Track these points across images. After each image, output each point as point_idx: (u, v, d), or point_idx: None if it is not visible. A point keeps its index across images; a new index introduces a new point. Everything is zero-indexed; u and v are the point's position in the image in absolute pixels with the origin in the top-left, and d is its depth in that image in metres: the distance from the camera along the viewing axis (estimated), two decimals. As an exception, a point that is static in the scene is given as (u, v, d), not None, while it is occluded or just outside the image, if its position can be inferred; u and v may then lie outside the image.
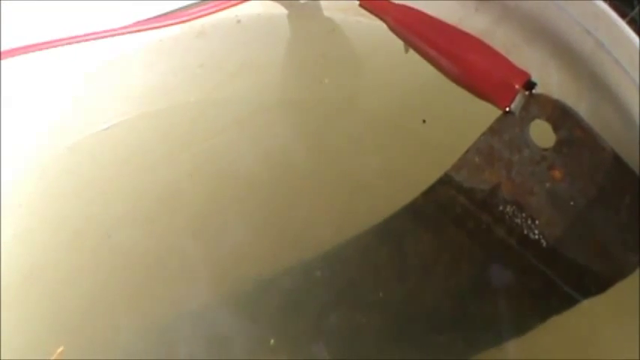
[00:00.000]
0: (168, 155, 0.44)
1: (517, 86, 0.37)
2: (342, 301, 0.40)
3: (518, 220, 0.38)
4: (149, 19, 0.43)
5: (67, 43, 0.40)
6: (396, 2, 0.41)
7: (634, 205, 0.36)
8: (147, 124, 0.45)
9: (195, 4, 0.43)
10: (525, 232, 0.38)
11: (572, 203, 0.37)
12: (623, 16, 0.37)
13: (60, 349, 0.37)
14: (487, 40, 0.39)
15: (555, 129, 0.37)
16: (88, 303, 0.40)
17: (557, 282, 0.37)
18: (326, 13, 0.46)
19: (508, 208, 0.38)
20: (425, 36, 0.40)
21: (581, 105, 0.38)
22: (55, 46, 0.40)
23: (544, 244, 0.38)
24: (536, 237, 0.38)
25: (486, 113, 0.38)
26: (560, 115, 0.37)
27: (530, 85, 0.37)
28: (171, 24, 0.42)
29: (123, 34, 0.41)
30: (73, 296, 0.40)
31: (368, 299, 0.39)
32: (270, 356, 0.38)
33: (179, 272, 0.41)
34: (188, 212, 0.43)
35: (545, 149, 0.37)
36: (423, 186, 0.40)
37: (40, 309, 0.40)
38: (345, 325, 0.39)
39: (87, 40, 0.40)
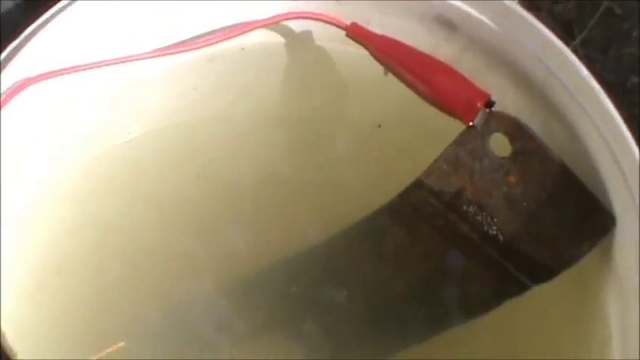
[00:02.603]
0: (182, 165, 0.46)
1: (479, 104, 0.40)
2: (329, 287, 0.42)
3: (479, 218, 0.40)
4: (167, 46, 0.45)
5: (96, 67, 0.42)
6: (378, 33, 0.44)
7: (577, 207, 0.38)
8: (163, 138, 0.46)
9: (206, 33, 0.45)
10: (485, 228, 0.40)
11: (525, 204, 0.39)
12: (567, 45, 0.39)
13: (121, 344, 0.39)
14: (454, 66, 0.42)
15: (511, 141, 0.39)
16: (114, 292, 0.42)
17: (512, 271, 0.40)
18: (318, 42, 0.47)
19: (471, 208, 0.41)
20: (402, 62, 0.42)
21: (533, 121, 0.40)
22: (85, 70, 0.42)
23: (501, 238, 0.40)
24: (495, 232, 0.40)
25: (452, 127, 0.40)
26: (515, 129, 0.39)
27: (490, 103, 0.40)
28: (186, 50, 0.44)
29: (144, 58, 0.43)
30: (101, 287, 0.42)
31: (351, 284, 0.41)
32: (267, 334, 0.40)
33: (187, 266, 0.43)
34: (194, 214, 0.45)
35: (503, 158, 0.39)
36: (399, 189, 0.42)
37: (71, 302, 0.42)
38: (332, 306, 0.41)
39: (114, 64, 0.42)
